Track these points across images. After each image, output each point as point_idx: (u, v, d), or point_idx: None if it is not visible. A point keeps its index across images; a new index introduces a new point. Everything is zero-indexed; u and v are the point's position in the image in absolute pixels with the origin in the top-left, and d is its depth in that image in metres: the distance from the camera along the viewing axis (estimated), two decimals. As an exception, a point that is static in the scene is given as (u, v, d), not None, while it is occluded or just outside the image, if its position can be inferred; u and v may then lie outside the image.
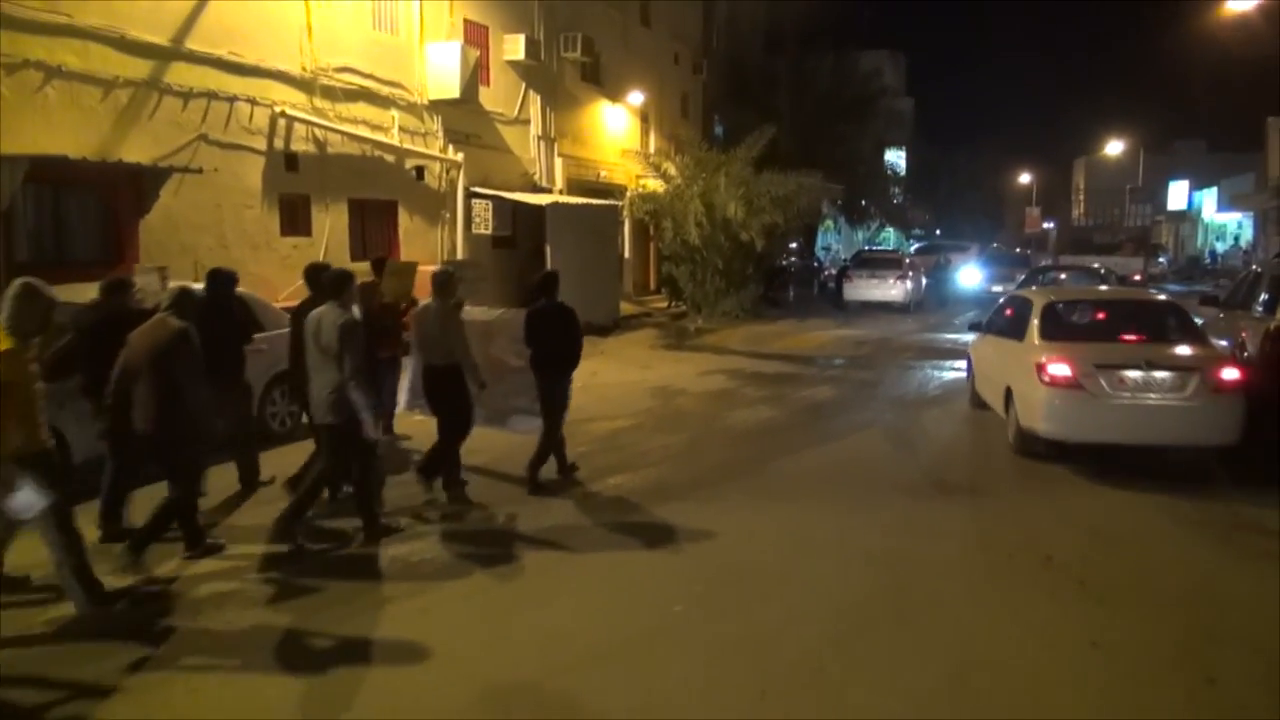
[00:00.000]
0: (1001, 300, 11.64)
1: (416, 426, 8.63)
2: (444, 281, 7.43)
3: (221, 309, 7.00)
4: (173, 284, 7.22)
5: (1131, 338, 8.83)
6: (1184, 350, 8.52)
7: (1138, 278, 26.97)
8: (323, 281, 6.66)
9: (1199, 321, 9.89)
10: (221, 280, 7.18)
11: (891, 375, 14.11)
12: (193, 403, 5.76)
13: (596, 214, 20.27)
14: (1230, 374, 8.12)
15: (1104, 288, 16.74)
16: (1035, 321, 9.12)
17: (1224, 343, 10.28)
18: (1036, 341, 8.86)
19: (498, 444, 8.27)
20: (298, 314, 7.07)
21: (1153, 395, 8.07)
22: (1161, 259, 44.80)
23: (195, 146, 12.39)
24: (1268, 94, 36.24)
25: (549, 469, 7.87)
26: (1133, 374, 8.09)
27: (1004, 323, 10.25)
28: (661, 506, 7.31)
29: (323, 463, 6.55)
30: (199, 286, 7.09)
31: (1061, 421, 8.30)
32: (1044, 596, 5.59)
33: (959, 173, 54.35)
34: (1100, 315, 9.43)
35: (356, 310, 6.49)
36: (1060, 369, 8.24)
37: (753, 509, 7.22)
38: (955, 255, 32.61)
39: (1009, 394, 9.17)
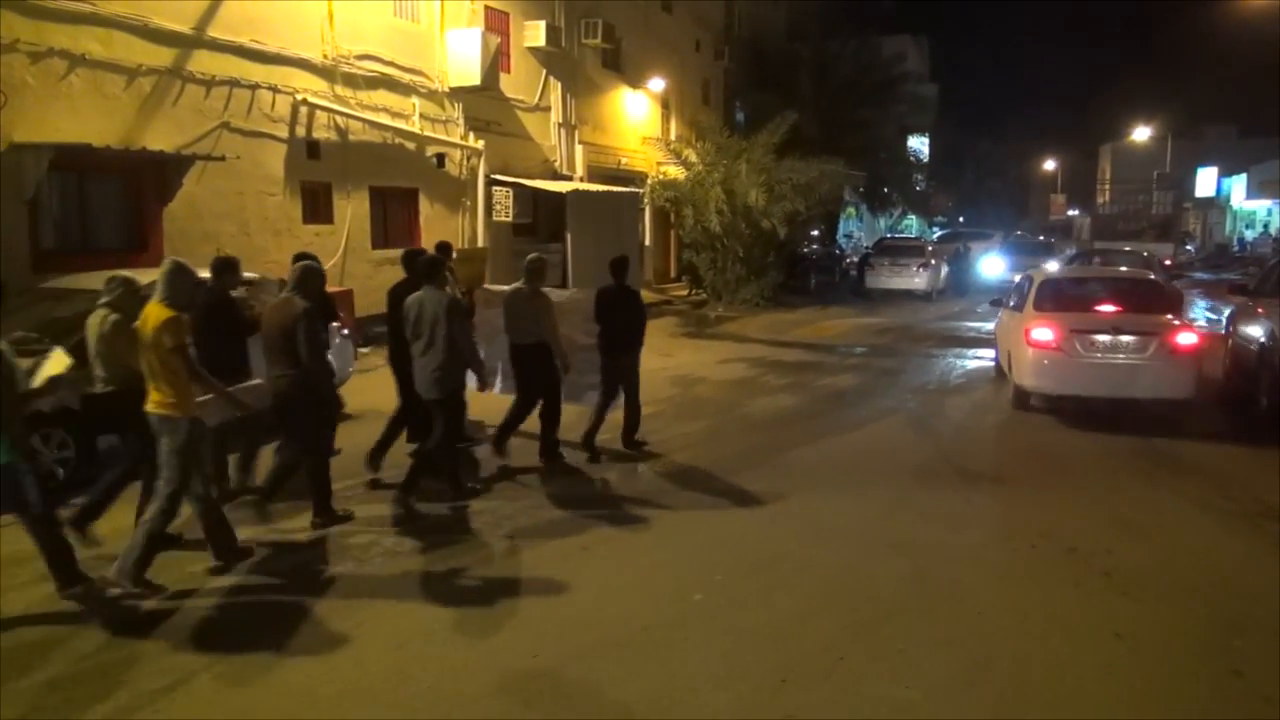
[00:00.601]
0: (1017, 279, 12.82)
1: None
2: (536, 267, 7.80)
3: None
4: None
5: (1109, 308, 9.93)
6: (1148, 318, 9.65)
7: (1168, 262, 26.74)
8: (418, 266, 7.07)
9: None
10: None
11: (913, 363, 14.02)
12: (316, 376, 6.23)
13: (617, 201, 20.25)
14: (1185, 339, 9.33)
15: (1124, 268, 16.98)
16: (1032, 295, 10.40)
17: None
18: (1031, 311, 10.09)
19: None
20: (394, 296, 7.46)
21: (1119, 356, 9.40)
22: (1189, 246, 44.23)
23: (218, 134, 12.45)
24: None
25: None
26: (1102, 338, 9.44)
27: (1015, 297, 11.52)
28: (681, 494, 7.31)
29: (440, 432, 6.82)
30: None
31: (1044, 377, 9.71)
32: (1068, 587, 5.54)
33: (983, 159, 53.92)
34: (1088, 290, 10.58)
35: (450, 290, 7.00)
36: (1042, 333, 9.60)
37: (773, 497, 7.19)
38: (975, 243, 31.97)
39: (1009, 357, 10.47)
